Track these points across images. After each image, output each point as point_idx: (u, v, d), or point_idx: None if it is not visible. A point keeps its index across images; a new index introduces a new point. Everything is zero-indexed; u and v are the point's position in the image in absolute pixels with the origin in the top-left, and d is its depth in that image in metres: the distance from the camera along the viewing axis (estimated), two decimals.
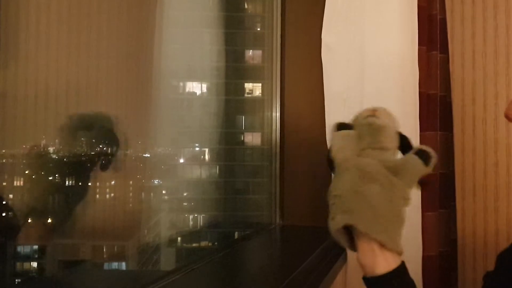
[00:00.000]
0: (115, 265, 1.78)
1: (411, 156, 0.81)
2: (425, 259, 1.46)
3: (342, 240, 0.81)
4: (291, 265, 1.12)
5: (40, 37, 1.56)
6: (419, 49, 1.52)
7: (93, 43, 1.63)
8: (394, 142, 0.82)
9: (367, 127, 0.81)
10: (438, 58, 1.61)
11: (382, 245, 0.76)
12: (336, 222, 0.76)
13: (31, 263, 1.68)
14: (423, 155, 0.81)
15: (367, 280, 0.79)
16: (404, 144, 0.84)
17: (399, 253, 0.79)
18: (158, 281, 1.11)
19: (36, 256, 1.68)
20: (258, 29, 2.11)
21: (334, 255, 1.35)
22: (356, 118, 0.85)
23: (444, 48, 1.66)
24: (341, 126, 0.85)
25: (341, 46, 1.53)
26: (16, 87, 1.55)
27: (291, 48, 1.79)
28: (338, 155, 0.82)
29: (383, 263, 0.76)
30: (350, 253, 1.48)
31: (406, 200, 0.79)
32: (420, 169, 0.80)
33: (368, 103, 1.47)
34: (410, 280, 0.80)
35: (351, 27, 1.52)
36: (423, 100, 1.53)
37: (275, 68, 1.85)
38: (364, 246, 0.77)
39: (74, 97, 1.62)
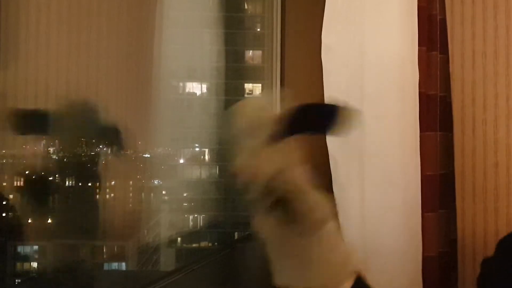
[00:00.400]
0: (115, 265, 1.78)
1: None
2: (425, 260, 1.46)
3: None
4: None
5: (40, 37, 1.56)
6: (419, 50, 1.52)
7: (93, 43, 1.63)
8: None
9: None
10: (438, 59, 1.61)
11: None
12: None
13: (31, 263, 1.68)
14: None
15: None
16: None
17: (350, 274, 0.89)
18: (158, 282, 1.11)
19: (36, 256, 1.68)
20: (258, 29, 2.11)
21: None
22: None
23: (444, 48, 1.65)
24: None
25: (341, 46, 1.53)
26: (16, 87, 1.55)
27: (291, 49, 1.79)
28: None
29: None
30: None
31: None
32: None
33: (368, 103, 1.47)
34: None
35: (351, 28, 1.52)
36: (423, 100, 1.53)
37: (275, 68, 1.85)
38: None
39: (74, 97, 1.62)
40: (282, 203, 0.92)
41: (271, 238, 0.93)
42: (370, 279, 1.44)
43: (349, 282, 0.86)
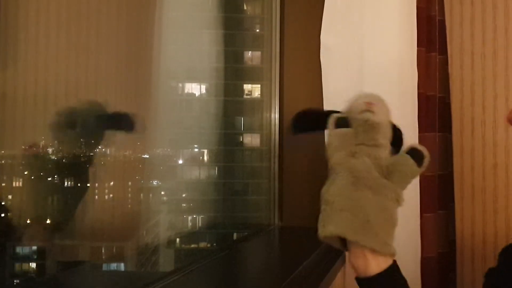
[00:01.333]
0: (113, 266, 1.78)
1: (404, 156, 0.81)
2: (424, 260, 1.46)
3: (334, 243, 0.82)
4: (290, 266, 1.12)
5: (39, 38, 1.56)
6: (418, 50, 1.52)
7: (92, 44, 1.63)
8: (388, 138, 0.82)
9: (362, 123, 0.80)
10: (437, 60, 1.62)
11: (374, 250, 0.77)
12: (325, 230, 0.76)
13: (30, 264, 1.68)
14: (416, 155, 0.81)
15: (359, 280, 0.81)
16: (397, 137, 0.84)
17: (392, 255, 0.80)
18: (156, 282, 1.11)
19: (35, 257, 1.68)
20: (257, 30, 2.11)
21: (333, 257, 1.35)
22: (351, 111, 0.83)
23: (443, 49, 1.66)
24: (338, 122, 0.84)
25: (340, 47, 1.54)
26: (15, 88, 1.55)
27: (290, 49, 1.79)
28: (332, 157, 0.82)
29: (375, 266, 0.78)
30: (349, 255, 1.48)
31: (398, 201, 0.80)
32: (413, 170, 0.80)
33: None
34: (401, 278, 0.82)
35: (350, 28, 1.53)
36: (422, 101, 1.53)
37: (274, 69, 1.85)
38: (355, 251, 0.79)
39: (73, 98, 1.62)
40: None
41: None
42: None
43: (388, 262, 0.80)
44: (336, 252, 1.43)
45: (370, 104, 0.82)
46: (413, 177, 0.81)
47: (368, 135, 0.79)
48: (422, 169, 0.81)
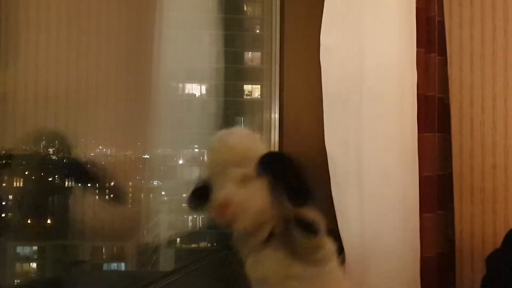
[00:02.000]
0: (114, 265, 1.79)
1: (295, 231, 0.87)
2: (423, 261, 1.46)
3: None
4: None
5: (40, 39, 1.57)
6: (417, 51, 1.52)
7: (93, 45, 1.64)
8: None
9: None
10: (437, 60, 1.62)
11: None
12: None
13: (30, 263, 1.68)
14: (307, 228, 0.87)
15: None
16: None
17: None
18: (157, 282, 1.11)
19: (36, 256, 1.68)
20: (257, 31, 2.11)
21: None
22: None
23: (442, 50, 1.66)
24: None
25: (340, 48, 1.54)
26: (15, 88, 1.56)
27: (290, 50, 1.79)
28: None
29: None
30: (348, 254, 1.49)
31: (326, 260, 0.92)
32: (305, 243, 0.88)
33: (367, 104, 1.48)
34: None
35: (349, 29, 1.53)
36: (421, 101, 1.53)
37: (274, 70, 1.85)
38: None
39: (74, 98, 1.63)
40: (281, 235, 0.90)
41: (272, 276, 0.91)
42: (368, 279, 1.44)
43: None
44: (336, 251, 1.44)
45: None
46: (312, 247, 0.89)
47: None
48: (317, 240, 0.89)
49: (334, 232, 1.50)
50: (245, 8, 2.15)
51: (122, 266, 1.76)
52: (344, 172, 1.53)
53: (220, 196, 0.87)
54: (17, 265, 1.66)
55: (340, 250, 1.48)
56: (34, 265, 1.67)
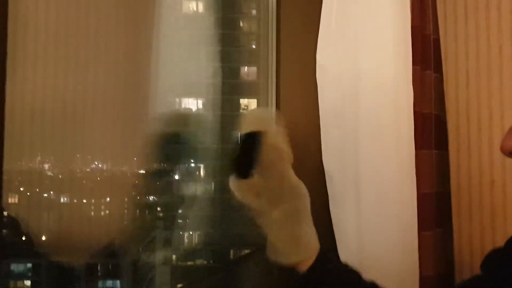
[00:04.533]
0: (109, 283, 1.77)
1: None
2: (422, 280, 1.45)
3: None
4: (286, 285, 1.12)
5: (38, 56, 1.56)
6: (413, 69, 1.53)
7: (90, 60, 1.64)
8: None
9: None
10: (432, 77, 1.63)
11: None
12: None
13: (24, 281, 1.67)
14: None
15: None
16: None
17: (309, 254, 0.98)
18: None
19: (30, 274, 1.67)
20: (253, 46, 2.12)
21: None
22: None
23: (438, 67, 1.67)
24: None
25: (335, 65, 1.55)
26: (12, 105, 1.55)
27: (286, 65, 1.80)
28: None
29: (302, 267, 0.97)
30: None
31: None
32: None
33: (363, 121, 1.48)
34: (335, 265, 1.03)
35: (345, 47, 1.54)
36: (418, 118, 1.54)
37: (270, 84, 1.86)
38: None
39: (70, 113, 1.62)
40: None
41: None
42: None
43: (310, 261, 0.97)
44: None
45: None
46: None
47: None
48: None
49: (332, 249, 1.50)
50: (241, 24, 2.16)
51: (118, 284, 1.75)
52: (341, 189, 1.53)
53: None
54: (11, 282, 1.64)
55: None
56: (28, 283, 1.66)
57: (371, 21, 1.50)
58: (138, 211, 1.84)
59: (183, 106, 2.00)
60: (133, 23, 1.73)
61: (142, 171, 1.84)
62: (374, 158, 1.45)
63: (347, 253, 1.48)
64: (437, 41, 1.66)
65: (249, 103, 2.07)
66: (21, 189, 1.65)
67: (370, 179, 1.46)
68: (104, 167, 1.79)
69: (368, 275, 1.43)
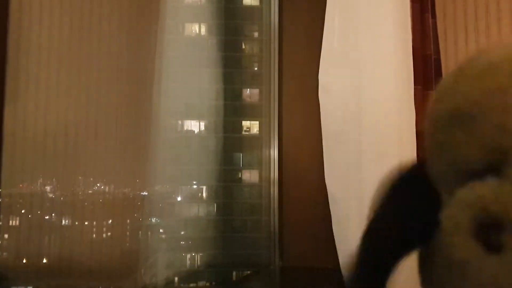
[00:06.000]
0: None
1: None
2: None
3: None
4: None
5: (40, 78, 1.58)
6: (415, 89, 1.54)
7: (93, 82, 1.65)
8: None
9: None
10: None
11: None
12: None
13: None
14: None
15: None
16: None
17: None
18: None
19: None
20: (256, 68, 2.13)
21: None
22: None
23: None
24: None
25: (338, 86, 1.55)
26: (14, 127, 1.56)
27: (288, 87, 1.81)
28: None
29: None
30: None
31: None
32: None
33: (366, 142, 1.48)
34: None
35: (347, 68, 1.55)
36: (420, 138, 1.54)
37: (273, 106, 1.86)
38: None
39: (73, 137, 1.62)
40: None
41: None
42: None
43: None
44: None
45: None
46: None
47: None
48: None
49: (336, 271, 1.48)
50: (243, 46, 2.17)
51: None
52: (345, 209, 1.52)
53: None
54: None
55: None
56: None
57: (373, 42, 1.51)
58: (140, 232, 1.83)
59: (185, 128, 2.00)
60: (136, 46, 1.74)
61: (144, 193, 1.84)
62: (377, 179, 1.44)
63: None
64: (438, 61, 1.67)
65: (251, 125, 2.08)
66: (22, 211, 1.64)
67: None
68: (107, 189, 1.79)
69: None
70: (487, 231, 0.38)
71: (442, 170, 0.42)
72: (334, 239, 1.53)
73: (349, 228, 1.50)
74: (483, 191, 0.38)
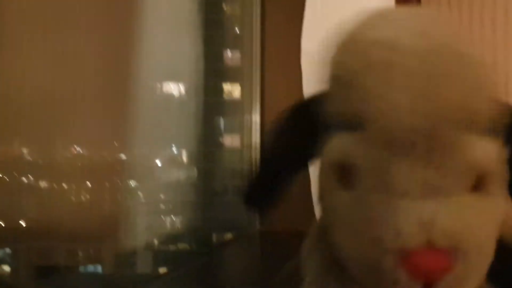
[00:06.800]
0: (90, 268, 1.76)
1: None
2: None
3: None
4: (270, 272, 1.12)
5: (17, 41, 1.53)
6: None
7: (72, 44, 1.60)
8: None
9: None
10: None
11: None
12: None
13: (3, 266, 1.65)
14: None
15: None
16: None
17: None
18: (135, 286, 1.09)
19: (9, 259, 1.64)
20: (237, 30, 2.10)
21: None
22: None
23: None
24: None
25: (320, 52, 1.54)
26: None
27: (271, 51, 1.79)
28: None
29: None
30: None
31: None
32: None
33: None
34: None
35: (330, 34, 1.53)
36: None
37: (255, 70, 1.84)
38: None
39: (50, 99, 1.59)
40: None
41: None
42: None
43: None
44: None
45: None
46: None
47: None
48: None
49: None
50: (224, 8, 2.13)
51: (99, 269, 1.73)
52: None
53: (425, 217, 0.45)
54: None
55: None
56: (7, 268, 1.63)
57: (356, 7, 1.49)
58: (119, 196, 1.83)
59: (165, 91, 1.97)
60: (115, 8, 1.69)
61: (123, 156, 1.82)
62: None
63: None
64: None
65: (232, 89, 2.06)
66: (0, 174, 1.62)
67: None
68: (85, 152, 1.77)
69: None
70: (344, 173, 0.47)
71: (329, 114, 0.50)
72: (312, 202, 1.55)
73: None
74: (345, 141, 0.47)
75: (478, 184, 0.47)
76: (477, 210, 0.46)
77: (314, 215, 1.53)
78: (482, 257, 0.47)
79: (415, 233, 0.43)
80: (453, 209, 0.44)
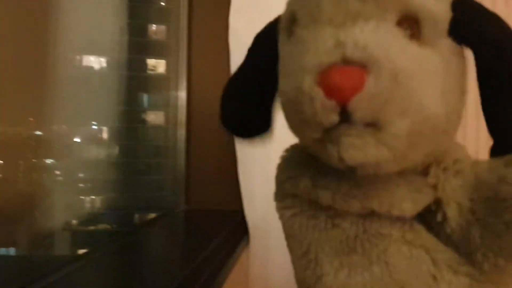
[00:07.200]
0: (3, 250, 1.67)
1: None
2: None
3: None
4: (195, 251, 1.12)
5: None
6: None
7: None
8: None
9: None
10: None
11: None
12: None
13: None
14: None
15: None
16: None
17: None
18: (52, 271, 1.04)
19: None
20: (162, 3, 2.04)
21: (237, 239, 1.37)
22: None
23: None
24: None
25: (249, 31, 1.53)
26: None
27: (199, 26, 1.76)
28: None
29: None
30: (252, 236, 1.51)
31: None
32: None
33: None
34: None
35: (258, 11, 1.52)
36: None
37: (182, 45, 1.80)
38: None
39: None
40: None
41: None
42: (272, 259, 1.48)
43: None
44: (240, 234, 1.46)
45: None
46: None
47: None
48: None
49: (239, 213, 1.52)
50: None
51: (12, 251, 1.65)
52: (250, 152, 1.55)
53: (348, 39, 0.47)
54: None
55: (244, 233, 1.50)
56: None
57: None
58: (34, 174, 1.74)
59: (84, 64, 1.88)
60: None
61: (39, 133, 1.72)
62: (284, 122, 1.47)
63: (254, 216, 1.51)
64: None
65: (157, 64, 2.00)
66: None
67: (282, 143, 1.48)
68: None
69: (273, 237, 1.48)
70: (291, 23, 0.59)
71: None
72: (238, 181, 1.56)
73: (253, 171, 1.54)
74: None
75: (414, 32, 0.51)
76: (408, 51, 0.49)
77: (239, 195, 1.54)
78: (404, 86, 0.47)
79: (330, 50, 0.47)
80: (369, 30, 0.48)
